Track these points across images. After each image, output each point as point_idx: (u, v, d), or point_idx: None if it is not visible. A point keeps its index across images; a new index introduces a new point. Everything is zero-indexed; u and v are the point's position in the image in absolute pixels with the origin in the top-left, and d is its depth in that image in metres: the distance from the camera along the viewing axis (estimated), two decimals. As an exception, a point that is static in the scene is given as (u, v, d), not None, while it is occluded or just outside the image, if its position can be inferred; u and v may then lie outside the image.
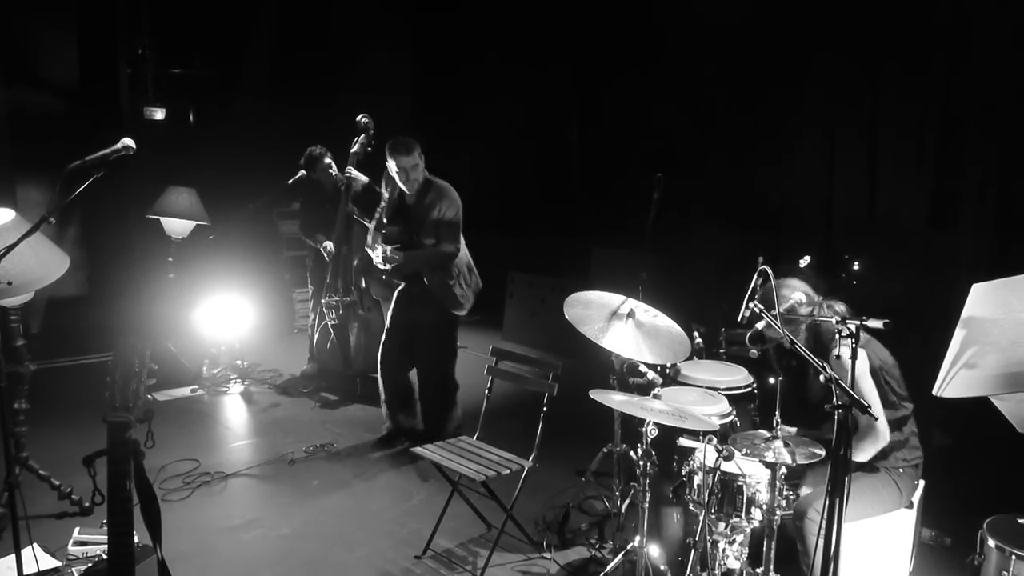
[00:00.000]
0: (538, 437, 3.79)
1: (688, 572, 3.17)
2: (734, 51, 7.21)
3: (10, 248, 2.76)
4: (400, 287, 5.06)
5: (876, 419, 2.96)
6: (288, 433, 5.51)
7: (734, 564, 3.20)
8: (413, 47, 9.49)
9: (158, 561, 2.47)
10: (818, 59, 6.81)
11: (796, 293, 3.16)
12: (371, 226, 4.97)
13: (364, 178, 5.81)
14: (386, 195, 4.94)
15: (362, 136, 5.77)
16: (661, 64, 7.89)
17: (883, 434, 3.07)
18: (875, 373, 3.10)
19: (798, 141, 7.08)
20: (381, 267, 4.78)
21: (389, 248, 4.71)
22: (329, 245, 6.00)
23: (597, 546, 3.90)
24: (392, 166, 4.71)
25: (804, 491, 3.21)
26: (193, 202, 6.23)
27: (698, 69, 7.51)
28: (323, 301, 6.20)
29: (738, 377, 3.87)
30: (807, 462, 2.86)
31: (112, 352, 2.30)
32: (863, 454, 3.10)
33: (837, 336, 2.87)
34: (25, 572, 2.78)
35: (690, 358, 3.80)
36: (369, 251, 4.85)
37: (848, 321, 2.65)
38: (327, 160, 6.08)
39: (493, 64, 9.11)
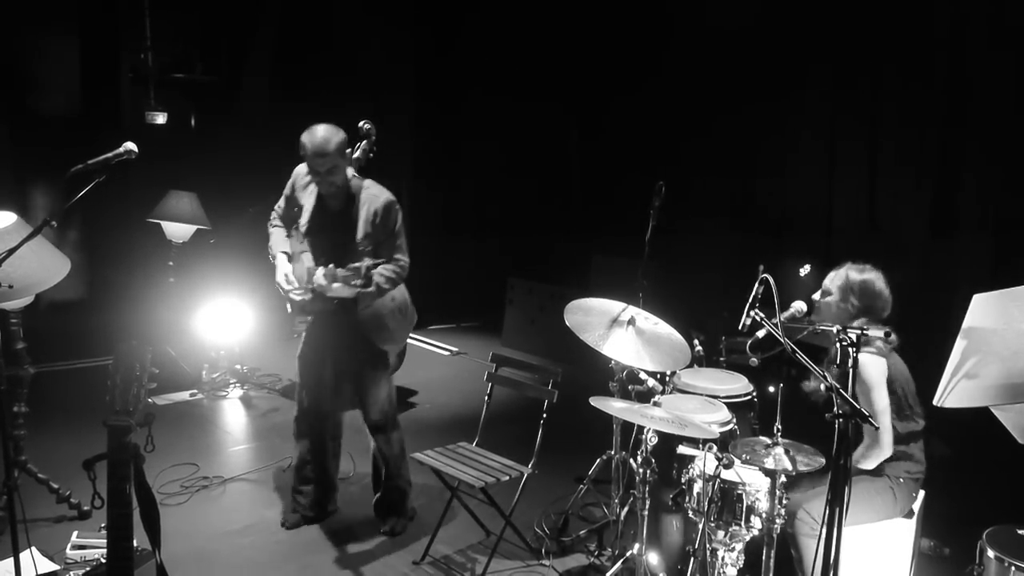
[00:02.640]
0: (537, 444, 3.79)
1: (687, 580, 3.17)
2: (735, 60, 7.23)
3: (11, 251, 2.77)
4: (308, 328, 4.14)
5: (876, 428, 2.96)
6: (287, 438, 5.43)
7: (733, 572, 3.19)
8: (415, 51, 9.50)
9: (157, 565, 2.47)
10: (817, 68, 6.83)
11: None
12: (305, 261, 3.91)
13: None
14: (305, 203, 4.07)
15: (364, 142, 5.75)
16: (661, 73, 7.91)
17: (886, 445, 3.07)
18: (891, 383, 3.11)
19: (798, 150, 7.09)
20: (364, 290, 3.59)
21: (382, 265, 3.71)
22: None
23: (596, 553, 3.89)
24: (304, 167, 3.98)
25: (796, 495, 3.21)
26: (194, 206, 6.24)
27: (698, 78, 7.52)
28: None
29: (738, 385, 3.87)
30: (807, 470, 2.85)
31: (113, 356, 2.30)
32: (869, 462, 3.11)
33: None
34: (23, 576, 2.78)
35: (690, 366, 3.80)
36: (321, 280, 3.65)
37: (848, 330, 2.65)
38: None
39: (495, 71, 9.12)
